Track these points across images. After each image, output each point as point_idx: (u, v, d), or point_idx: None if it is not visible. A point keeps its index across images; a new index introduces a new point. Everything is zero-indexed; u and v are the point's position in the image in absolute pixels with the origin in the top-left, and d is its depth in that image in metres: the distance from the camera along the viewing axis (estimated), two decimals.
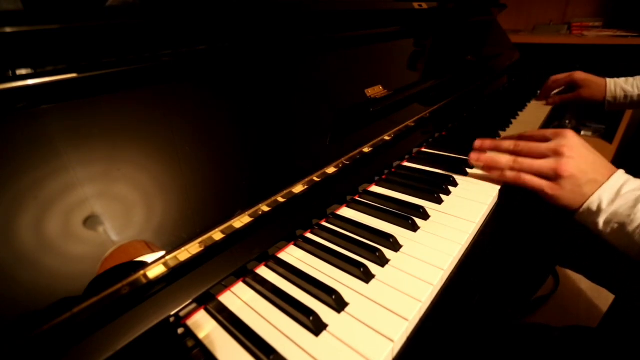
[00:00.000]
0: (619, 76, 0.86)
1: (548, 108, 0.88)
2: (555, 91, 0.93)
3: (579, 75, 0.87)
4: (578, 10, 1.76)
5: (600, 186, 0.42)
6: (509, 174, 0.47)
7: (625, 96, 0.84)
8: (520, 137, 0.50)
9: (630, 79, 0.84)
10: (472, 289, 0.46)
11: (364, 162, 0.50)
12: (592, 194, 0.42)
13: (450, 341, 0.43)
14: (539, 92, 0.95)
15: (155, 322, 0.27)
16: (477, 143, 0.52)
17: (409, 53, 0.69)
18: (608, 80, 0.85)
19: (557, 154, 0.44)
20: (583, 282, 0.73)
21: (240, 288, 0.34)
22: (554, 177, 0.44)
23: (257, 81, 0.41)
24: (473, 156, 0.51)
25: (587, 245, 0.64)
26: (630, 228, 0.38)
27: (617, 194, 0.40)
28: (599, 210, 0.41)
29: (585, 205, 0.42)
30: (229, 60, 0.39)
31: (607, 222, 0.41)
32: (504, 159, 0.47)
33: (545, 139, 0.47)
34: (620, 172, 0.43)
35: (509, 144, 0.49)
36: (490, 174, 0.49)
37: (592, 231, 0.43)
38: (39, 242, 0.24)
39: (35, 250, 0.24)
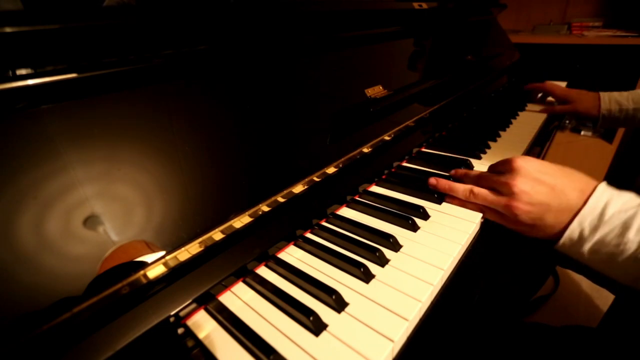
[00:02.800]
0: (619, 76, 0.85)
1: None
2: (549, 98, 0.92)
3: (574, 91, 0.86)
4: (578, 10, 1.75)
5: (576, 213, 0.37)
6: (470, 207, 0.44)
7: (620, 109, 0.81)
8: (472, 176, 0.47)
9: (625, 93, 0.82)
10: (472, 288, 0.46)
11: (363, 162, 0.50)
12: (563, 223, 0.37)
13: (450, 341, 0.43)
14: (539, 95, 0.94)
15: (155, 322, 0.27)
16: (452, 172, 0.51)
17: (409, 53, 0.69)
18: (601, 93, 0.83)
19: (507, 189, 0.40)
20: (583, 282, 0.73)
21: (240, 288, 0.34)
22: (508, 214, 0.40)
23: (257, 81, 0.41)
24: (432, 181, 0.48)
25: None
26: (621, 258, 0.34)
27: (600, 219, 0.35)
28: (582, 239, 0.36)
29: (565, 235, 0.37)
30: (229, 60, 0.39)
31: (592, 252, 0.36)
32: (461, 190, 0.44)
33: (498, 172, 0.43)
34: (601, 189, 0.37)
35: (462, 172, 0.48)
36: (453, 202, 0.46)
37: (578, 262, 0.38)
38: (39, 242, 0.24)
39: (35, 250, 0.24)
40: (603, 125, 0.85)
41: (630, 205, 0.35)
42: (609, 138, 1.63)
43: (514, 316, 0.66)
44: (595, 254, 0.36)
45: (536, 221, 0.39)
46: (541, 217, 0.38)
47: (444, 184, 0.46)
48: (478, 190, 0.43)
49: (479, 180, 0.45)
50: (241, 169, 0.37)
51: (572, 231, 0.37)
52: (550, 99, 0.92)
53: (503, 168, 0.43)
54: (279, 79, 0.44)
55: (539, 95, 0.94)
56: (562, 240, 0.38)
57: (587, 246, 0.36)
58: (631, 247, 0.33)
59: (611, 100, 0.82)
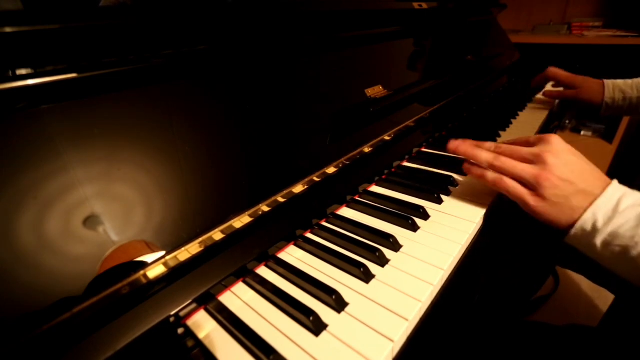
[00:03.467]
0: (619, 77, 0.85)
1: (548, 109, 0.88)
2: (551, 83, 0.91)
3: (580, 78, 0.86)
4: (578, 10, 1.75)
5: (593, 200, 0.36)
6: (490, 176, 0.42)
7: (624, 98, 0.81)
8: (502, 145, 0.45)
9: (629, 81, 0.81)
10: (472, 288, 0.46)
11: (364, 162, 0.50)
12: (582, 208, 0.37)
13: (450, 341, 0.43)
14: (543, 90, 0.94)
15: (155, 322, 0.27)
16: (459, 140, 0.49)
17: (409, 53, 0.69)
18: (606, 81, 0.83)
19: (539, 160, 0.39)
20: (583, 282, 0.73)
21: (240, 288, 0.34)
22: (535, 185, 0.39)
23: (258, 81, 0.41)
24: (452, 143, 0.46)
25: None
26: (635, 252, 0.33)
27: (615, 210, 0.35)
28: (595, 230, 0.36)
29: (578, 225, 0.37)
30: (229, 60, 0.39)
31: (605, 244, 0.35)
32: (485, 154, 0.43)
33: (529, 144, 0.42)
34: (615, 184, 0.38)
35: (490, 145, 0.45)
36: (472, 173, 0.44)
37: (588, 255, 0.38)
38: (39, 242, 0.24)
39: (35, 250, 0.24)
40: (606, 113, 0.84)
41: None
42: (609, 138, 1.63)
43: (514, 316, 0.66)
44: (608, 247, 0.35)
45: (560, 199, 0.37)
46: (567, 195, 0.37)
47: (466, 147, 0.44)
48: (505, 158, 0.41)
49: (499, 148, 0.43)
50: (241, 169, 0.37)
51: (586, 221, 0.36)
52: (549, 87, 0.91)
53: (535, 140, 0.42)
54: (279, 79, 0.44)
55: (550, 84, 0.93)
56: (574, 231, 0.37)
57: (600, 238, 0.35)
58: None
59: (615, 88, 0.81)
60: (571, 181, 0.37)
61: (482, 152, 0.43)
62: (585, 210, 0.36)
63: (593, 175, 0.38)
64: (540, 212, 0.39)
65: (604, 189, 0.37)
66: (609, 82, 0.82)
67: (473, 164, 0.44)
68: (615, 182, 0.38)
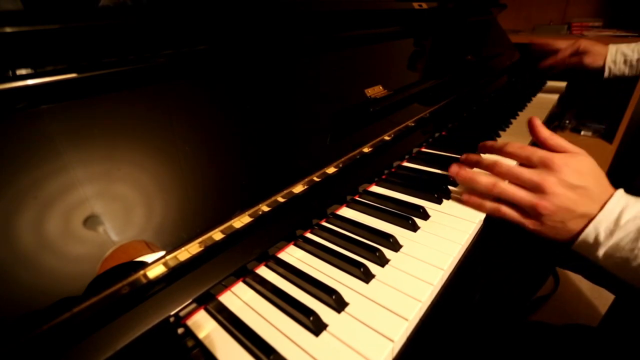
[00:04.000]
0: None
1: (548, 109, 0.88)
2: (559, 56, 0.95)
3: (584, 43, 0.89)
4: (578, 10, 1.75)
5: (590, 221, 0.37)
6: (488, 205, 0.42)
7: (625, 60, 0.84)
8: (505, 151, 0.44)
9: (633, 45, 0.85)
10: (472, 288, 0.46)
11: (363, 162, 0.50)
12: (579, 229, 0.38)
13: (450, 341, 0.43)
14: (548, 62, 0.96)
15: (155, 322, 0.27)
16: (463, 156, 0.49)
17: (409, 53, 0.69)
18: (610, 45, 0.86)
19: (538, 189, 0.38)
20: (583, 283, 0.73)
21: (240, 288, 0.34)
22: (533, 214, 0.39)
23: (257, 81, 0.41)
24: (453, 169, 0.46)
25: None
26: (635, 263, 0.35)
27: (616, 224, 0.36)
28: (597, 243, 0.37)
29: (580, 238, 0.38)
30: (229, 60, 0.39)
31: (607, 256, 0.37)
32: (484, 181, 0.42)
33: (530, 163, 0.41)
34: (619, 195, 0.38)
35: (490, 162, 0.44)
36: (470, 204, 0.43)
37: (593, 263, 0.39)
38: (39, 242, 0.24)
39: (35, 250, 0.24)
40: (610, 77, 0.88)
41: None
42: (609, 138, 1.63)
43: (514, 316, 0.66)
44: (610, 258, 0.37)
45: (558, 224, 0.39)
46: (564, 221, 0.38)
47: (465, 174, 0.44)
48: (505, 185, 0.41)
49: (499, 167, 0.42)
50: (241, 169, 0.37)
51: (588, 235, 0.37)
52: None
53: (538, 161, 0.40)
54: (279, 79, 0.44)
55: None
56: (576, 243, 0.39)
57: (602, 250, 0.37)
58: None
59: (618, 51, 0.85)
60: (570, 209, 0.38)
61: (481, 178, 0.43)
62: (585, 227, 0.38)
63: (596, 193, 0.38)
64: (539, 233, 0.40)
65: (604, 204, 0.37)
66: (612, 46, 0.86)
67: (472, 194, 0.44)
68: (618, 192, 0.38)
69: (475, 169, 0.46)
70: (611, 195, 0.38)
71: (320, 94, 0.48)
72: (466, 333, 0.49)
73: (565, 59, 0.92)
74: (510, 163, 0.43)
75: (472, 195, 0.43)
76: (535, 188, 0.39)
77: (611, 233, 0.36)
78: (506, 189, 0.41)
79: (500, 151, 0.46)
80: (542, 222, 0.39)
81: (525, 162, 0.42)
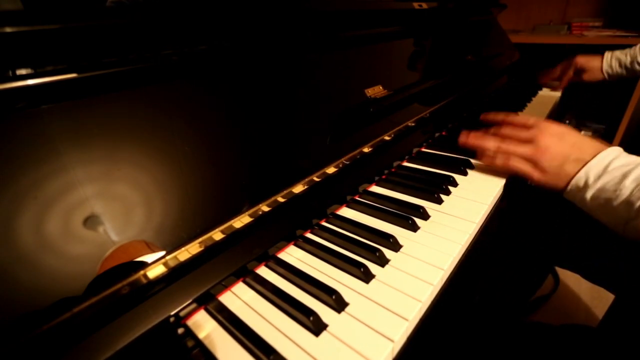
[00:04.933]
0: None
1: (548, 108, 0.88)
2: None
3: (580, 60, 0.95)
4: (578, 10, 1.75)
5: (585, 164, 0.42)
6: (499, 159, 0.50)
7: (620, 64, 0.91)
8: (504, 121, 0.55)
9: (626, 50, 0.91)
10: (472, 288, 0.46)
11: (364, 162, 0.50)
12: (577, 171, 0.43)
13: (450, 341, 0.43)
14: (550, 81, 1.02)
15: (155, 322, 0.27)
16: (464, 132, 0.57)
17: (409, 53, 0.69)
18: (606, 53, 0.93)
19: (534, 141, 0.47)
20: (583, 282, 0.73)
21: (240, 288, 0.34)
22: (535, 161, 0.46)
23: (258, 81, 0.41)
24: (462, 137, 0.54)
25: (586, 245, 0.64)
26: (615, 203, 0.39)
27: (605, 169, 0.41)
28: (586, 186, 0.42)
29: (572, 182, 0.43)
30: (229, 60, 0.39)
31: (594, 198, 0.41)
32: (491, 142, 0.51)
33: (525, 127, 0.50)
34: (612, 149, 0.43)
35: (492, 129, 0.54)
36: (484, 161, 0.52)
37: (580, 208, 0.44)
38: (39, 242, 0.24)
39: (35, 250, 0.24)
40: (609, 79, 0.94)
41: (633, 161, 0.40)
42: (609, 138, 1.63)
43: (514, 316, 0.66)
44: (596, 200, 0.41)
45: (557, 169, 0.45)
46: (562, 164, 0.44)
47: (474, 139, 0.53)
48: (508, 142, 0.50)
49: (500, 132, 0.52)
50: (241, 169, 0.37)
51: (579, 179, 0.43)
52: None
53: (531, 124, 0.49)
54: (279, 79, 0.44)
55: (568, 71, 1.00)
56: (569, 187, 0.44)
57: (589, 193, 0.41)
58: (625, 192, 0.38)
59: (613, 57, 0.92)
60: (564, 153, 0.45)
61: (488, 141, 0.52)
62: (577, 172, 0.43)
63: (588, 145, 0.45)
64: (543, 182, 0.46)
65: (597, 153, 0.43)
66: (607, 54, 0.93)
67: (482, 154, 0.53)
68: (615, 147, 0.43)
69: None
70: (603, 149, 0.43)
71: (320, 94, 0.48)
72: (466, 333, 0.49)
73: (566, 79, 0.99)
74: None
75: (484, 155, 0.52)
76: (532, 142, 0.47)
77: (599, 177, 0.41)
78: (511, 145, 0.49)
79: (503, 121, 0.55)
80: (544, 168, 0.45)
81: (521, 127, 0.51)
